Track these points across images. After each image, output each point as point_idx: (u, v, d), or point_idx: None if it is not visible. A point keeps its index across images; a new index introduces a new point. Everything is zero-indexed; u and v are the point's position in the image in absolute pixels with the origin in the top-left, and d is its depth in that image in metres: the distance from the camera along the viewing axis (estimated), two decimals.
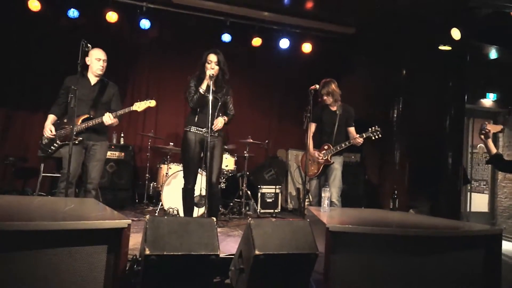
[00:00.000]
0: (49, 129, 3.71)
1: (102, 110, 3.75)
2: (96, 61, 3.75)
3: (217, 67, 3.70)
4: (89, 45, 3.46)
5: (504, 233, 2.88)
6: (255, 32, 6.51)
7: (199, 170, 4.01)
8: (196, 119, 3.73)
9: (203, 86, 3.63)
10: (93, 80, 3.83)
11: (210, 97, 3.47)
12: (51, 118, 3.79)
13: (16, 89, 5.89)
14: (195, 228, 2.12)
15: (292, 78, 7.11)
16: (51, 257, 1.83)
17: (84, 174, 3.71)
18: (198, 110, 3.73)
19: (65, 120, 3.79)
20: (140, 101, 3.81)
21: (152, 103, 3.78)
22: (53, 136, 3.72)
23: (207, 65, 3.69)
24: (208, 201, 3.59)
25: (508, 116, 7.32)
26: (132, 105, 3.78)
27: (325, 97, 4.26)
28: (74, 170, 3.55)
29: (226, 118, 3.85)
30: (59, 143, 3.70)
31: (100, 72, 3.80)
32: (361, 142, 4.20)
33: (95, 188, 3.72)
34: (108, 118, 3.64)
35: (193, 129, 3.73)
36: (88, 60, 3.75)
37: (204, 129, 3.68)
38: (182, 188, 3.83)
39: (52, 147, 3.75)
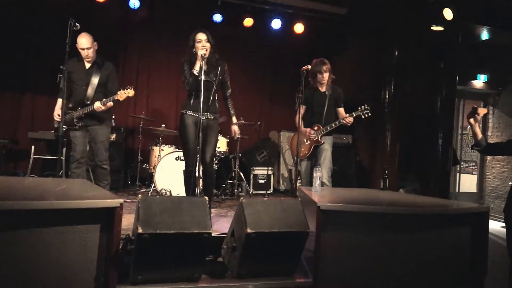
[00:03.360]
0: (57, 114, 3.89)
1: (99, 93, 3.92)
2: (80, 50, 3.85)
3: (208, 45, 3.56)
4: (77, 24, 3.41)
5: (491, 212, 2.93)
6: (247, 12, 6.42)
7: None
8: (191, 102, 3.65)
9: (197, 68, 3.51)
10: (87, 64, 3.95)
11: (203, 78, 3.39)
12: (59, 102, 3.90)
13: (3, 71, 5.78)
14: (187, 207, 2.13)
15: (284, 59, 7.07)
16: (44, 236, 1.84)
17: (93, 155, 4.01)
18: (194, 93, 3.63)
19: (70, 105, 3.95)
20: (123, 89, 3.88)
21: (130, 92, 3.87)
22: (59, 120, 3.85)
23: (197, 45, 3.55)
24: (202, 181, 3.59)
25: (498, 97, 7.39)
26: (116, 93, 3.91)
27: (324, 75, 4.23)
28: (81, 151, 3.91)
29: (236, 121, 3.93)
30: (65, 127, 3.87)
31: (89, 59, 3.91)
32: (351, 121, 4.21)
33: (106, 163, 3.99)
34: (98, 106, 3.79)
35: (189, 112, 3.65)
36: (77, 46, 3.84)
37: (199, 113, 3.52)
38: (184, 171, 3.77)
39: (61, 130, 3.94)
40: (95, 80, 3.90)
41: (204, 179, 3.67)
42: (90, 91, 3.88)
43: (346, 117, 4.18)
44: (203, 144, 3.58)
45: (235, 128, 3.96)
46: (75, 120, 3.87)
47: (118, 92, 3.85)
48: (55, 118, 3.91)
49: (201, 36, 3.57)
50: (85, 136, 3.95)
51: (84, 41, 3.83)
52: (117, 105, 4.83)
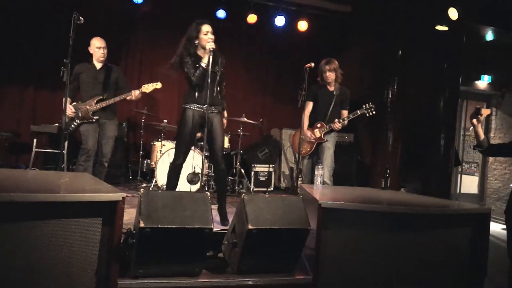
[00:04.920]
0: (69, 108, 3.99)
1: (111, 90, 4.15)
2: (97, 49, 4.10)
3: (213, 37, 3.44)
4: (81, 18, 3.41)
5: (492, 214, 2.92)
6: (251, 8, 6.41)
7: (192, 147, 3.95)
8: (196, 95, 3.51)
9: (205, 60, 3.41)
10: (98, 65, 4.16)
11: (210, 72, 3.31)
12: (69, 100, 4.07)
13: (7, 64, 5.78)
14: (189, 202, 2.13)
15: (287, 56, 7.06)
16: (47, 229, 1.84)
17: (98, 149, 4.11)
18: (198, 87, 3.50)
19: (80, 102, 4.11)
20: (147, 83, 4.15)
21: (158, 85, 4.15)
22: (73, 114, 4.04)
23: (203, 37, 3.44)
24: (215, 178, 3.56)
25: (502, 98, 7.36)
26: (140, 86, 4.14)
27: (327, 74, 4.23)
28: (92, 146, 4.03)
29: (226, 115, 3.94)
30: (78, 122, 4.04)
31: (103, 59, 4.14)
32: (339, 127, 4.24)
33: (107, 161, 4.15)
34: (136, 94, 4.05)
35: (193, 106, 3.52)
36: (90, 49, 4.11)
37: (204, 106, 3.43)
38: (170, 163, 3.64)
39: (72, 125, 4.09)
40: (107, 79, 4.14)
41: (217, 177, 3.62)
42: (105, 87, 4.11)
43: (335, 122, 4.20)
44: (212, 143, 3.52)
45: (223, 121, 3.83)
46: (90, 113, 4.02)
47: (144, 85, 4.10)
48: (68, 113, 3.98)
49: (207, 28, 3.47)
50: (96, 130, 4.08)
51: (101, 41, 4.11)
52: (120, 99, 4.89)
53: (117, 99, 4.07)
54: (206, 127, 3.33)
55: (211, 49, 3.34)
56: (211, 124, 3.50)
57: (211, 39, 3.42)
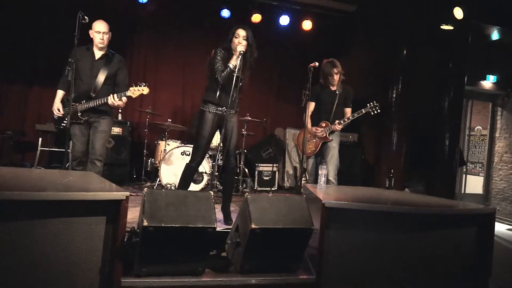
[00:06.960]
0: (56, 108, 3.74)
1: (107, 86, 3.75)
2: (96, 34, 3.69)
3: (245, 42, 3.45)
4: (86, 17, 3.41)
5: (497, 214, 2.91)
6: (255, 8, 6.41)
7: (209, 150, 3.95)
8: (217, 96, 3.49)
9: (233, 62, 3.41)
10: (97, 54, 3.77)
11: (235, 75, 3.33)
12: (60, 94, 3.78)
13: (12, 62, 5.81)
14: (192, 201, 2.14)
15: (291, 56, 7.05)
16: (51, 227, 1.85)
17: (89, 147, 3.76)
18: (220, 87, 3.48)
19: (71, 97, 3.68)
20: (134, 86, 3.74)
21: (145, 90, 3.72)
22: (61, 115, 3.75)
23: (235, 40, 3.45)
24: (225, 177, 3.61)
25: (507, 98, 7.32)
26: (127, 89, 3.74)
27: (334, 77, 4.25)
28: (81, 151, 3.73)
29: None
30: (67, 121, 3.60)
31: (101, 45, 3.73)
32: (340, 128, 4.27)
33: (99, 159, 3.72)
34: (113, 101, 3.63)
35: (212, 108, 3.51)
36: (91, 33, 3.70)
37: (224, 108, 3.47)
38: (186, 164, 3.66)
39: (62, 124, 3.78)
40: (103, 73, 3.73)
41: (226, 174, 3.65)
42: (97, 84, 3.70)
43: (335, 124, 4.22)
44: (226, 142, 3.54)
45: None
46: (79, 113, 3.68)
47: (130, 88, 3.69)
48: (55, 112, 3.76)
49: (240, 32, 3.48)
50: (85, 134, 3.77)
51: (103, 25, 3.70)
52: None
53: (104, 100, 3.66)
54: (224, 128, 3.37)
55: (241, 52, 3.36)
56: (228, 124, 3.51)
57: (240, 42, 3.43)
